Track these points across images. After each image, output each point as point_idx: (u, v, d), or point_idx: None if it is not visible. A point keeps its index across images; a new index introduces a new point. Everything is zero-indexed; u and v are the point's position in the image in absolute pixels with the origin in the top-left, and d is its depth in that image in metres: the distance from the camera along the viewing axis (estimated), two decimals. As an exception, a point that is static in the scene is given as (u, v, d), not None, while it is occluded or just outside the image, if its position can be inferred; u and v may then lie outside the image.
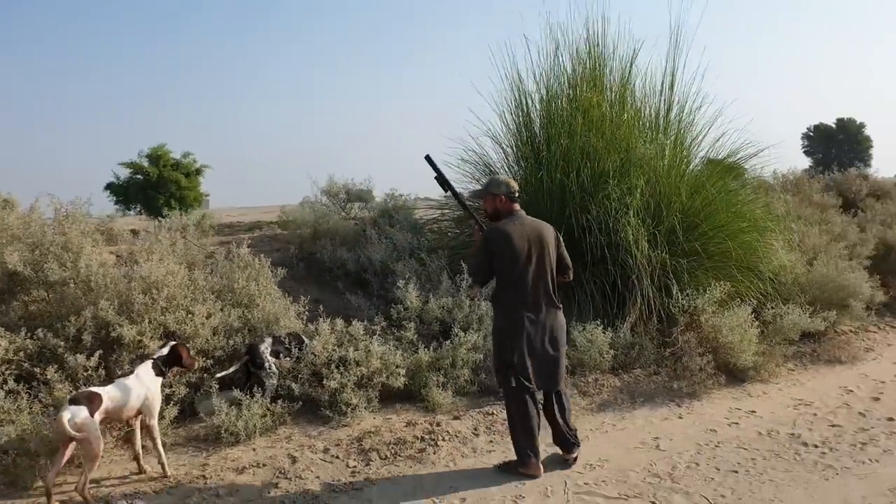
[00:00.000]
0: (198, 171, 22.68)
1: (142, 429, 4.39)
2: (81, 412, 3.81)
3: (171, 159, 21.69)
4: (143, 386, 4.27)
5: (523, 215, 4.59)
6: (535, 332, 4.44)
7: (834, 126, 60.26)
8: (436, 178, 4.95)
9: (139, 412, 4.26)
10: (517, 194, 4.65)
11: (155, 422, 4.31)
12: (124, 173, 21.31)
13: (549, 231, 4.59)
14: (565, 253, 4.69)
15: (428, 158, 4.98)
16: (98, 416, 3.94)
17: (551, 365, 4.50)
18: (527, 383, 4.40)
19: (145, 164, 21.24)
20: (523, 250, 4.41)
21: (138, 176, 21.16)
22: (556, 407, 4.56)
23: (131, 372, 4.33)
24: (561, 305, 4.61)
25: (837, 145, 59.22)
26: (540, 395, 4.62)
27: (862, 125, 59.82)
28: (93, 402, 3.92)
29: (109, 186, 21.09)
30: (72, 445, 3.88)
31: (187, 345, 4.86)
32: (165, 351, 4.50)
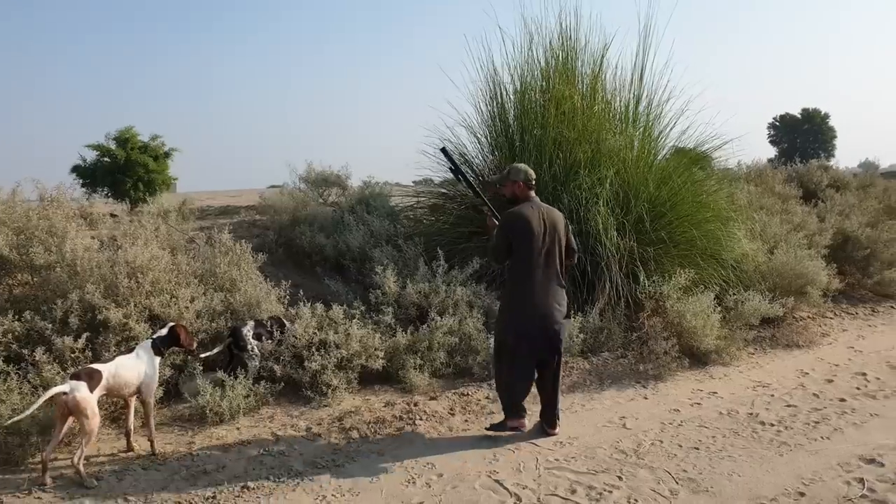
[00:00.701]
0: (166, 155, 22.42)
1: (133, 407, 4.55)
2: (81, 387, 3.97)
3: (139, 142, 21.39)
4: (143, 364, 4.44)
5: (538, 201, 5.05)
6: (542, 306, 4.88)
7: (799, 116, 61.15)
8: (450, 168, 5.48)
9: (138, 390, 4.42)
10: (534, 182, 5.09)
11: (151, 399, 4.48)
12: (91, 156, 20.99)
13: (560, 217, 5.06)
14: (573, 238, 5.17)
15: (444, 151, 5.50)
16: (98, 392, 4.11)
17: (554, 336, 4.94)
18: (526, 351, 4.91)
19: (112, 146, 20.94)
20: (539, 232, 4.86)
21: (105, 159, 20.85)
22: (551, 379, 5.00)
23: (132, 350, 4.50)
24: (565, 285, 5.07)
25: (802, 135, 60.15)
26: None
27: (826, 116, 60.84)
28: (93, 378, 4.08)
29: (76, 169, 20.78)
30: (69, 421, 4.02)
31: (186, 326, 5.01)
32: (165, 331, 4.67)
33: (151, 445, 4.47)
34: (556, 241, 4.93)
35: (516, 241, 4.87)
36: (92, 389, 4.04)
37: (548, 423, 5.01)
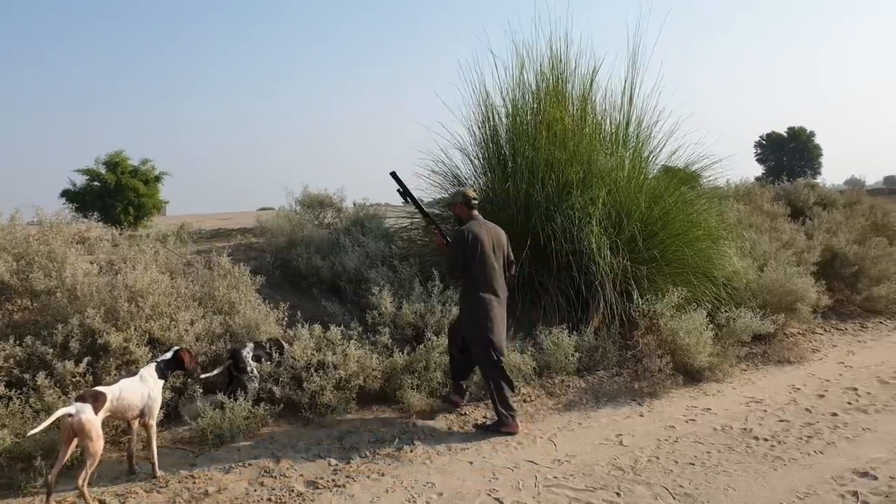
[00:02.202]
0: (157, 178, 22.41)
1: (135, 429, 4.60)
2: (86, 410, 4.00)
3: (130, 166, 21.39)
4: (147, 387, 4.50)
5: (482, 219, 5.68)
6: (498, 312, 5.47)
7: (785, 135, 61.66)
8: (398, 191, 5.79)
9: (141, 413, 4.46)
10: (474, 201, 5.68)
11: (153, 422, 4.52)
12: (80, 180, 20.96)
13: (503, 233, 5.72)
14: (511, 252, 5.79)
15: (393, 175, 5.78)
16: (102, 414, 4.15)
17: (500, 344, 5.47)
18: (502, 357, 5.45)
19: (102, 170, 20.92)
20: (489, 246, 5.48)
21: (95, 183, 20.83)
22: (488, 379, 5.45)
23: (136, 373, 4.56)
24: (507, 293, 5.69)
25: (789, 153, 60.64)
26: None
27: (812, 134, 61.33)
28: (98, 400, 4.12)
29: (65, 194, 20.74)
30: (73, 443, 4.05)
31: (191, 350, 5.08)
32: (169, 355, 4.74)
33: (153, 467, 4.50)
34: (502, 254, 5.60)
35: (469, 256, 5.40)
36: (97, 411, 4.08)
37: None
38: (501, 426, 5.35)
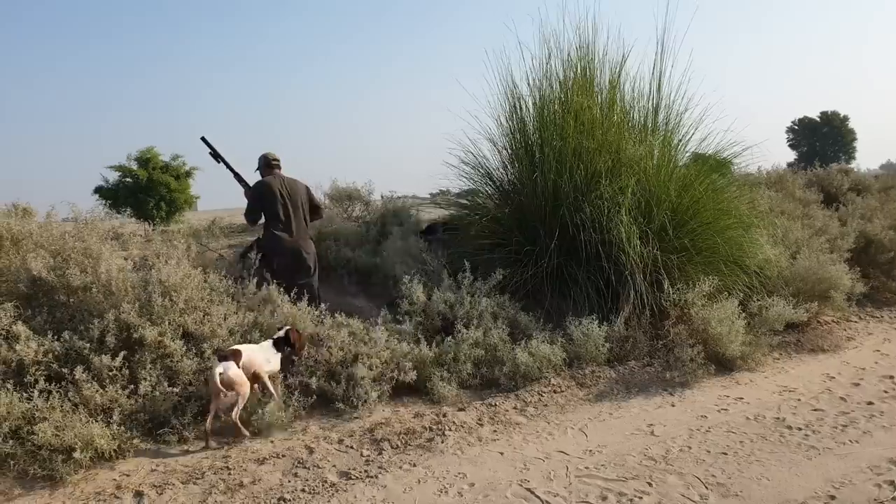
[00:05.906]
0: (188, 174, 22.68)
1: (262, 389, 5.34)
2: (231, 365, 4.87)
3: (161, 162, 21.68)
4: (265, 352, 5.33)
5: (280, 174, 6.81)
6: (291, 248, 6.57)
7: (818, 119, 60.68)
8: (210, 153, 7.02)
9: (257, 376, 5.17)
10: (273, 162, 6.85)
11: (266, 376, 5.26)
12: (113, 176, 21.28)
13: (300, 185, 6.86)
14: (315, 198, 7.12)
15: (203, 139, 7.02)
16: (240, 365, 4.96)
17: (304, 267, 6.64)
18: (286, 280, 6.30)
19: (134, 166, 21.21)
20: (281, 195, 6.60)
21: (128, 179, 21.13)
22: (306, 296, 6.19)
23: (257, 343, 5.45)
24: (310, 234, 6.95)
25: (822, 138, 59.72)
26: None
27: (846, 118, 60.30)
28: (236, 355, 4.98)
29: (99, 190, 21.07)
30: (222, 395, 4.83)
31: (300, 330, 5.72)
32: (282, 333, 5.50)
33: (276, 397, 5.26)
34: (298, 201, 6.69)
35: (265, 203, 6.59)
36: (238, 363, 4.91)
37: None
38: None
